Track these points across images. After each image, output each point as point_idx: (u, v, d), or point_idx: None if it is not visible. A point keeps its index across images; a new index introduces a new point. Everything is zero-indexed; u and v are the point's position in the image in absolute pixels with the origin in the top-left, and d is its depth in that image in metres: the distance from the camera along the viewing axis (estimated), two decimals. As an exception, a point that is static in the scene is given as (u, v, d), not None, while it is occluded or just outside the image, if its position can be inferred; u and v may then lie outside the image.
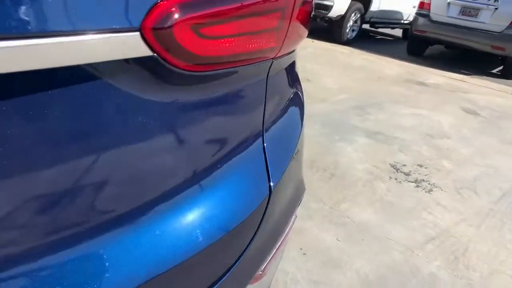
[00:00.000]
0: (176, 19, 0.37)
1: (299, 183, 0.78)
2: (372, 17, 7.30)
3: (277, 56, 0.56)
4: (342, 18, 6.33)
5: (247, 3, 0.43)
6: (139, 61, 0.38)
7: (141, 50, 0.36)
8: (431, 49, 7.07)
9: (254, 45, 0.49)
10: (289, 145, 0.65)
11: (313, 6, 0.68)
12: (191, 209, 0.47)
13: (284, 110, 0.67)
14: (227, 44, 0.45)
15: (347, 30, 6.63)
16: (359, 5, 6.59)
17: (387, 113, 3.32)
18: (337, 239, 1.64)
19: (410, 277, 1.48)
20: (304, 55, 5.18)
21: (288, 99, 0.69)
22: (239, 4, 0.42)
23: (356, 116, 3.13)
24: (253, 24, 0.47)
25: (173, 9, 0.36)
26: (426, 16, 5.98)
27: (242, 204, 0.52)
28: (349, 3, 6.24)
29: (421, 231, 1.77)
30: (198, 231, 0.47)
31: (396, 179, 2.22)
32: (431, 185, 2.20)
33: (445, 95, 4.27)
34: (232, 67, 0.48)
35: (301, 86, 0.79)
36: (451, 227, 1.83)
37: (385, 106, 3.50)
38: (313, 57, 5.13)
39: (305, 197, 1.88)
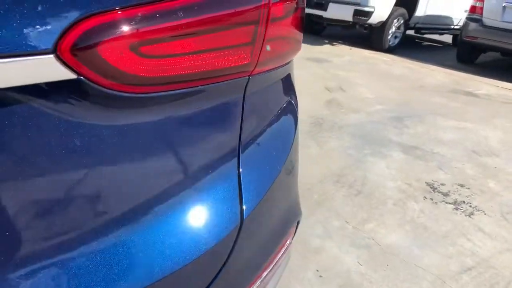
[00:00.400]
0: (101, 38, 0.33)
1: (292, 207, 0.71)
2: (417, 23, 6.95)
3: (254, 73, 0.51)
4: (384, 25, 6.08)
5: (200, 18, 0.39)
6: (68, 85, 0.35)
7: (61, 73, 0.33)
8: (485, 57, 6.56)
9: (218, 62, 0.44)
10: (273, 168, 0.59)
11: (302, 16, 0.61)
12: (141, 239, 0.44)
13: (271, 129, 0.61)
14: (181, 63, 0.41)
15: (389, 37, 6.35)
16: (402, 10, 6.30)
17: (427, 126, 3.09)
18: (358, 262, 1.53)
19: (439, 312, 1.33)
20: (340, 63, 5.03)
21: (276, 118, 0.62)
22: (189, 20, 0.38)
23: (392, 129, 2.95)
24: (213, 41, 0.42)
25: (97, 27, 0.33)
26: (478, 21, 5.56)
27: (205, 234, 0.47)
28: (391, 8, 5.97)
29: (456, 260, 1.60)
30: (148, 262, 0.43)
31: (431, 199, 2.04)
32: (472, 208, 1.99)
33: (496, 107, 3.90)
34: (193, 87, 0.44)
35: (296, 101, 0.73)
36: (492, 257, 1.63)
37: (425, 119, 3.27)
38: (350, 66, 4.96)
39: (326, 214, 1.80)
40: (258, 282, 0.62)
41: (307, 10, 6.40)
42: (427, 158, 2.51)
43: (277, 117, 0.61)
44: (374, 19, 5.85)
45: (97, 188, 0.41)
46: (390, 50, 6.44)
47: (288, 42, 0.56)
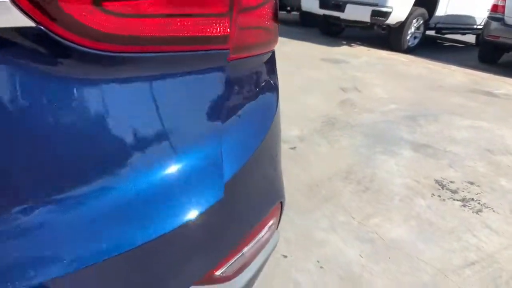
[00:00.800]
0: None
1: (273, 187, 0.75)
2: (437, 23, 6.82)
3: (231, 48, 0.55)
4: (402, 25, 6.02)
5: None
6: (28, 33, 0.36)
7: (18, 19, 0.35)
8: (508, 56, 6.36)
9: (189, 29, 0.47)
10: (253, 141, 0.62)
11: (275, 9, 0.67)
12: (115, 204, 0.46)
13: (252, 105, 0.65)
14: (149, 25, 0.43)
15: (408, 38, 6.27)
16: (422, 10, 6.21)
17: (441, 125, 3.07)
18: (360, 255, 1.57)
19: (438, 303, 1.36)
20: (357, 64, 5.03)
21: (257, 96, 0.68)
22: None
23: (404, 128, 2.95)
24: (183, 6, 0.45)
25: None
26: (500, 20, 5.42)
27: (183, 199, 0.51)
28: (410, 8, 5.91)
29: (460, 254, 1.61)
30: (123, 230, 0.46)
31: (439, 196, 2.05)
32: (481, 205, 1.99)
33: (517, 106, 3.81)
34: (167, 51, 0.47)
35: (277, 85, 0.78)
36: (497, 253, 1.64)
37: (440, 118, 3.24)
38: (366, 66, 4.95)
39: (333, 209, 1.85)
40: (235, 258, 0.67)
41: (324, 12, 6.43)
42: (438, 156, 2.50)
43: (258, 95, 0.67)
44: (392, 20, 5.80)
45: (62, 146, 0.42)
46: (409, 51, 6.36)
47: (260, 32, 0.63)
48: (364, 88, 3.95)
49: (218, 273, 0.65)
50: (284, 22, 8.63)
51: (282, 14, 9.42)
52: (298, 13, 8.55)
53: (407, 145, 2.64)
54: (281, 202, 0.80)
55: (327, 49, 5.88)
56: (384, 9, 5.63)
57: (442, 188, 2.13)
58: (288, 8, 8.98)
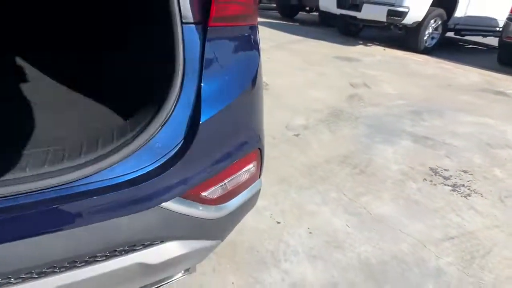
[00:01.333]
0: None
1: (252, 134, 0.91)
2: (457, 24, 6.78)
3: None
4: (419, 25, 6.05)
5: None
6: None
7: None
8: (529, 58, 6.24)
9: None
10: (233, 90, 0.81)
11: None
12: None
13: (233, 60, 0.85)
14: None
15: (425, 38, 6.28)
16: (440, 11, 6.21)
17: (445, 120, 3.16)
18: (347, 225, 1.73)
19: (413, 266, 1.50)
20: (370, 62, 5.12)
21: (239, 55, 0.86)
22: None
23: (407, 121, 3.06)
24: None
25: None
26: (520, 21, 5.36)
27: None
28: (427, 9, 5.93)
29: (441, 230, 1.74)
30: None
31: (431, 181, 2.16)
32: (470, 190, 2.09)
33: (528, 106, 3.81)
34: None
35: (258, 50, 0.95)
36: (479, 231, 1.75)
37: (445, 114, 3.32)
38: (379, 65, 5.04)
39: (327, 187, 2.02)
40: (218, 185, 0.85)
41: (342, 11, 6.55)
42: (436, 147, 2.61)
43: (240, 58, 0.85)
44: (408, 20, 5.84)
45: None
46: (426, 52, 6.37)
47: (237, 6, 0.83)
48: (374, 84, 4.05)
49: (204, 194, 0.84)
50: (303, 22, 8.77)
51: (301, 14, 9.57)
52: (317, 13, 8.68)
53: (407, 136, 2.76)
54: (260, 150, 0.98)
55: (342, 48, 5.99)
56: (400, 9, 5.69)
57: (435, 174, 2.24)
58: (307, 8, 9.12)
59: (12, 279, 0.61)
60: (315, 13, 9.10)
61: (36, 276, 0.62)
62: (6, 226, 0.56)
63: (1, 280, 0.59)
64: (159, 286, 0.90)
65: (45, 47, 1.38)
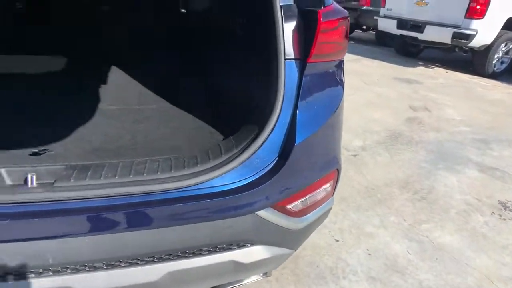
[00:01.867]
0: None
1: (332, 156, 1.01)
2: (531, 49, 6.32)
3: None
4: (488, 49, 5.74)
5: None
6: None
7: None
8: None
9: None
10: (320, 119, 0.91)
11: (346, 30, 0.96)
12: None
13: (322, 94, 0.95)
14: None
15: (494, 62, 5.94)
16: (512, 34, 5.85)
17: (516, 151, 2.96)
18: (407, 251, 1.71)
19: (479, 302, 1.44)
20: (431, 85, 4.96)
21: (327, 89, 0.96)
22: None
23: (473, 149, 2.92)
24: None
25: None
26: None
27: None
28: (498, 32, 5.62)
29: (511, 268, 1.65)
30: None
31: (500, 216, 2.06)
32: (545, 229, 1.95)
33: None
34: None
35: (343, 85, 1.05)
36: (554, 273, 1.63)
37: (516, 144, 3.12)
38: (441, 88, 4.86)
39: (386, 211, 2.02)
40: (301, 200, 0.95)
41: (402, 32, 6.42)
42: (506, 179, 2.47)
43: (329, 87, 0.95)
44: (476, 43, 5.58)
45: None
46: (494, 76, 6.00)
47: (333, 45, 0.92)
48: (435, 108, 3.93)
49: (289, 206, 0.93)
50: (359, 40, 8.71)
51: (357, 32, 9.51)
52: (373, 32, 8.58)
53: (473, 165, 2.64)
54: (337, 170, 1.05)
55: (401, 69, 5.87)
56: (467, 32, 5.45)
57: (505, 209, 2.13)
58: (364, 27, 9.06)
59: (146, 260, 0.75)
60: (371, 32, 9.01)
61: (156, 260, 0.75)
62: (147, 215, 0.71)
63: (147, 258, 0.73)
64: (239, 285, 1.00)
65: (161, 68, 1.63)
